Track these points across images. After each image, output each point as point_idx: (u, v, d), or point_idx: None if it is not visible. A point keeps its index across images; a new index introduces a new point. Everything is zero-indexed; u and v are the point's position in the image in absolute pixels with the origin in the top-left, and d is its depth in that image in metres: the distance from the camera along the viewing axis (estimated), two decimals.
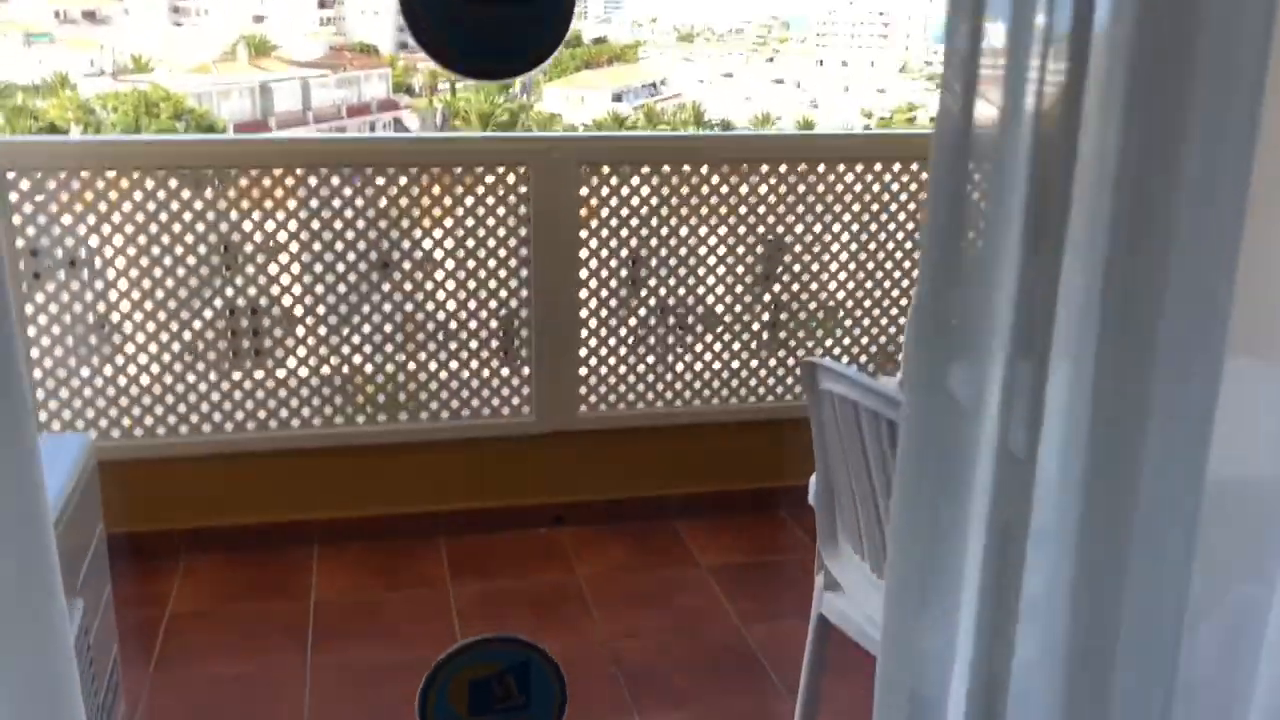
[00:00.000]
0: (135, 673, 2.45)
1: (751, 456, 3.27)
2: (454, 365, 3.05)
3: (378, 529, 3.12)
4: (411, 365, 3.01)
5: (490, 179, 2.95)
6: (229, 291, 2.86)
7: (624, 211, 3.06)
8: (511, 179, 2.95)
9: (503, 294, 3.02)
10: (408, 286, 2.97)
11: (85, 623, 1.60)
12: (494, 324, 3.05)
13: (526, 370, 3.11)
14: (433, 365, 3.02)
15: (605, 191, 3.04)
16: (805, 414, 1.95)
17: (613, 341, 3.14)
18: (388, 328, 2.97)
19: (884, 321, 3.32)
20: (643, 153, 3.13)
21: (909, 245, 3.26)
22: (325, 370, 2.97)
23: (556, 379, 3.11)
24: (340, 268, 2.91)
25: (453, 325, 3.02)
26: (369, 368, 3.01)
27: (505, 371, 3.11)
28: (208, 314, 2.85)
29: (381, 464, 3.09)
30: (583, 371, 3.14)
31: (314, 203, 2.87)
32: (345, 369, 2.98)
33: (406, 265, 2.96)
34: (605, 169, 3.02)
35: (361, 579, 2.92)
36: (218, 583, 2.87)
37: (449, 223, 2.97)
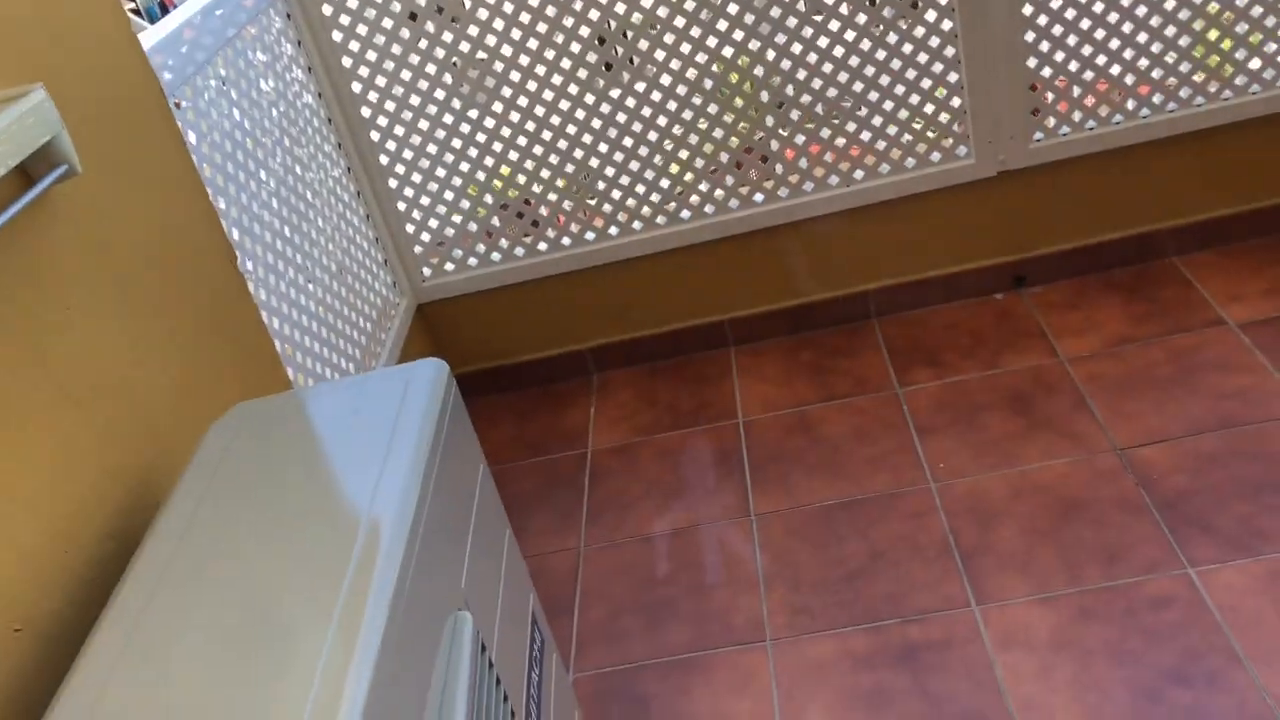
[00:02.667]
0: (567, 533, 2.19)
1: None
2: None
3: (792, 322, 2.62)
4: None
5: None
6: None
7: None
8: None
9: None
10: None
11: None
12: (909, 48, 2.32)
13: (957, 100, 2.37)
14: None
15: None
16: None
17: (1072, 40, 2.30)
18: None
19: None
20: None
21: None
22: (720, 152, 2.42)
23: (993, 104, 2.36)
24: None
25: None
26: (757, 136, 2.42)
27: (929, 108, 2.40)
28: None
29: (783, 244, 2.54)
30: (1033, 86, 2.35)
31: None
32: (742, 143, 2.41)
33: None
34: None
35: (786, 387, 2.46)
36: (631, 408, 2.53)
37: None
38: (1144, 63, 2.32)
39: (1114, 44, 2.30)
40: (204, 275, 1.51)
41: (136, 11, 4.06)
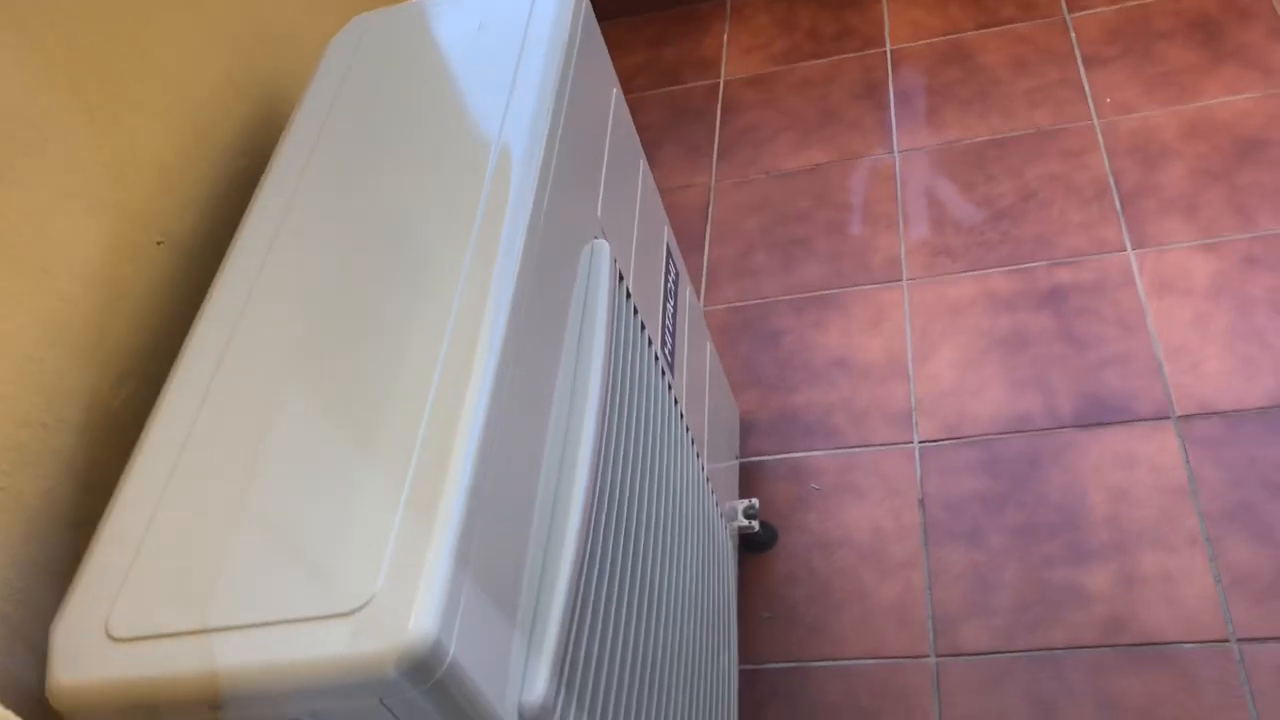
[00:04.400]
0: (698, 165, 2.12)
1: None
2: None
3: None
4: None
5: None
6: None
7: None
8: None
9: None
10: None
11: None
12: None
13: None
14: None
15: None
16: None
17: None
18: None
19: None
20: None
21: None
22: None
23: None
24: None
25: None
26: None
27: None
28: None
29: None
30: None
31: None
32: None
33: None
34: None
35: (939, 11, 2.25)
36: (768, 34, 2.35)
37: None
38: None
39: None
40: None
41: None
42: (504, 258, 0.85)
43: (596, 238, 1.07)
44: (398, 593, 0.65)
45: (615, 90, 1.26)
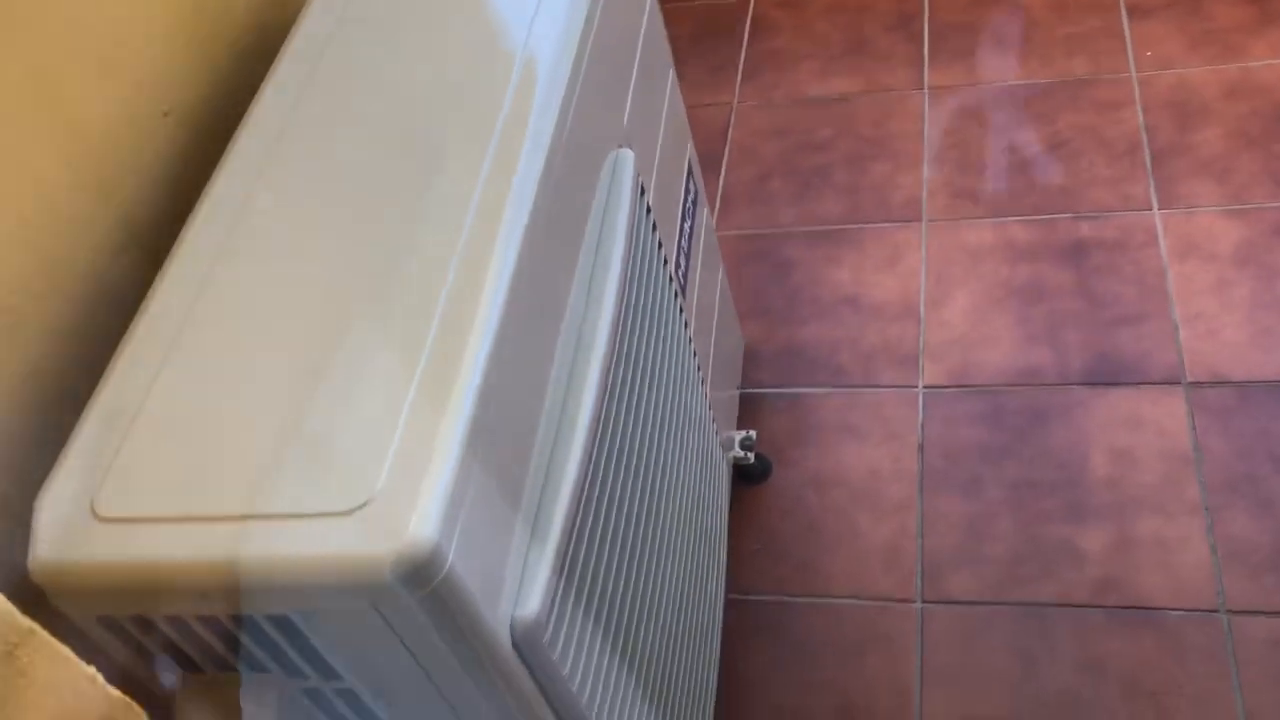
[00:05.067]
0: (721, 86, 2.06)
1: None
2: None
3: None
4: None
5: None
6: None
7: None
8: None
9: None
10: None
11: None
12: None
13: None
14: None
15: None
16: None
17: None
18: None
19: None
20: None
21: None
22: None
23: None
24: None
25: None
26: None
27: None
28: None
29: None
30: None
31: None
32: None
33: None
34: None
35: None
36: None
37: None
38: None
39: None
40: None
41: None
42: (527, 158, 0.81)
43: (621, 147, 1.03)
44: (400, 494, 0.62)
45: None
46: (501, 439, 0.71)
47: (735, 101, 2.04)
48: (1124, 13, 1.97)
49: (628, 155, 1.01)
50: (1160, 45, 1.90)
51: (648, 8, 1.20)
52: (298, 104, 0.91)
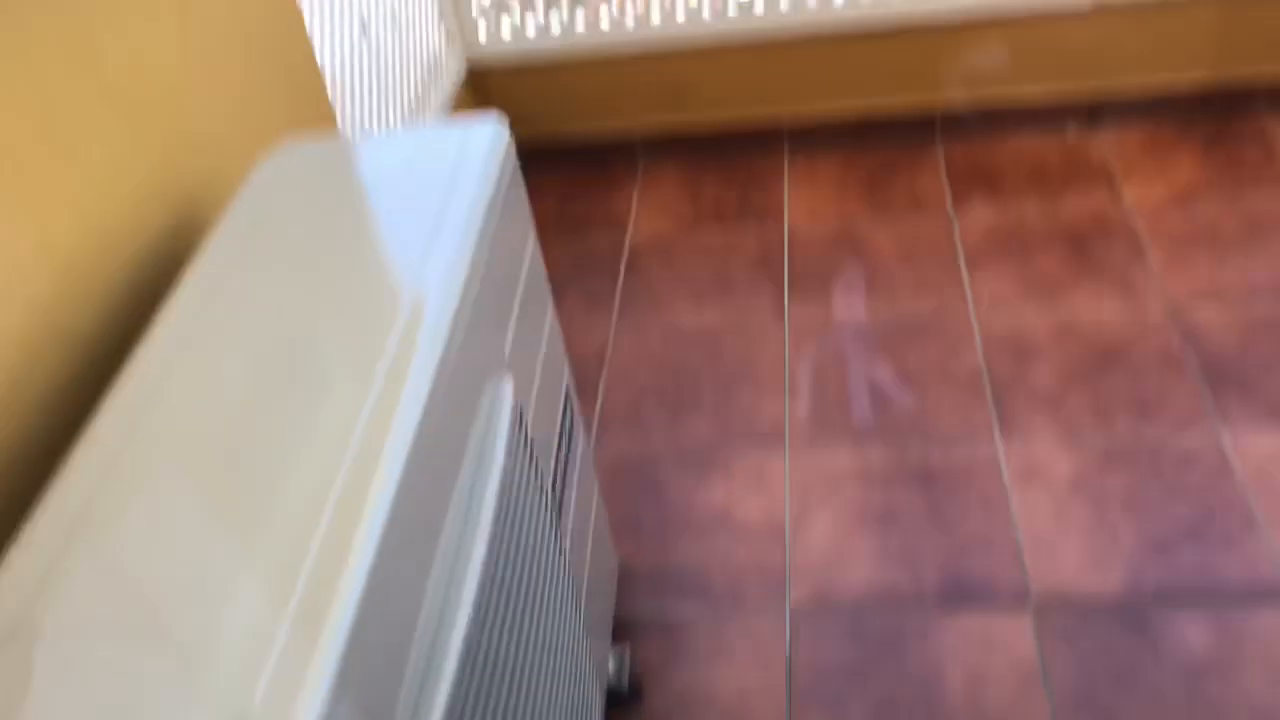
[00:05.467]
0: (597, 316, 2.17)
1: None
2: None
3: (857, 132, 2.52)
4: None
5: None
6: None
7: None
8: None
9: None
10: None
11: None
12: None
13: None
14: None
15: None
16: None
17: None
18: None
19: None
20: None
21: None
22: None
23: None
24: None
25: None
26: None
27: None
28: None
29: (860, 51, 2.42)
30: None
31: None
32: None
33: None
34: None
35: (836, 198, 2.39)
36: (675, 200, 2.46)
37: None
38: None
39: None
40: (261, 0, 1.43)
41: None
42: (414, 385, 0.86)
43: (501, 375, 1.09)
44: (272, 717, 0.64)
45: (532, 236, 1.31)
46: (375, 665, 0.73)
47: (612, 332, 2.15)
48: (962, 260, 2.17)
49: (507, 383, 1.08)
50: (996, 289, 2.09)
51: (530, 245, 1.30)
52: (188, 339, 0.96)
